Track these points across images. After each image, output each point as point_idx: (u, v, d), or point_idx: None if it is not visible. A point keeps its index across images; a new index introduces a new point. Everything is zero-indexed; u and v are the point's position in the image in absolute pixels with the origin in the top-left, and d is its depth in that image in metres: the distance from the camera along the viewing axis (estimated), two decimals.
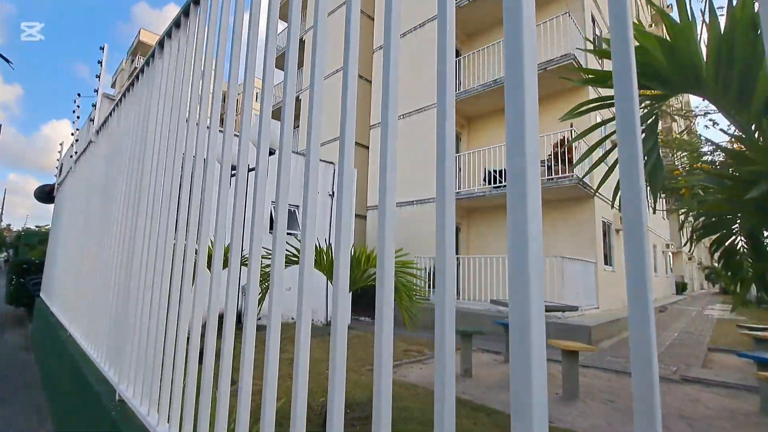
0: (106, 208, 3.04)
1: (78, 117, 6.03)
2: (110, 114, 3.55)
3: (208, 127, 1.56)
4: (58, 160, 8.26)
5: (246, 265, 1.10)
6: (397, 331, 7.38)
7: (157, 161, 2.05)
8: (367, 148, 13.34)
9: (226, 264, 1.20)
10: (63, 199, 6.41)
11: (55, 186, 7.78)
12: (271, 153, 3.21)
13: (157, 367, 1.62)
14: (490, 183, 10.05)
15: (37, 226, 23.61)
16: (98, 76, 4.81)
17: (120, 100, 3.27)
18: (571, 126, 9.09)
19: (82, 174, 4.69)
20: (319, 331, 8.83)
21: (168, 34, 2.12)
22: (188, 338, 1.45)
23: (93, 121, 4.86)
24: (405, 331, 4.24)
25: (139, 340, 1.88)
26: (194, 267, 1.45)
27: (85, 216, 3.97)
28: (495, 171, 9.91)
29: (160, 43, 2.25)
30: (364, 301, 8.18)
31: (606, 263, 10.62)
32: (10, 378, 4.93)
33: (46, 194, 9.44)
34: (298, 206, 9.05)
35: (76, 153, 5.43)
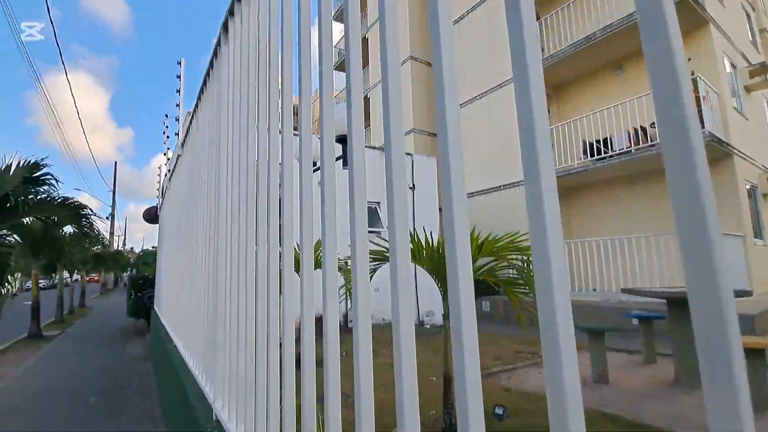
0: (191, 217, 2.97)
1: (168, 137, 6.13)
2: (191, 120, 3.41)
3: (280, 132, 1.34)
4: (158, 182, 8.73)
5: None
6: (508, 330, 6.54)
7: (232, 161, 1.81)
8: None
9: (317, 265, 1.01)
10: (163, 217, 6.77)
11: (158, 207, 8.32)
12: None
13: (250, 385, 1.39)
14: (590, 156, 8.72)
15: (153, 247, 26.93)
16: (178, 91, 4.73)
17: (197, 102, 3.07)
18: (693, 74, 7.46)
19: (174, 190, 4.78)
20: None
21: (231, 11, 1.87)
22: (281, 352, 1.19)
23: (178, 135, 4.78)
24: (515, 330, 3.53)
25: (230, 355, 1.67)
26: (279, 273, 1.28)
27: (177, 229, 4.06)
28: (597, 141, 8.56)
29: (224, 25, 1.99)
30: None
31: (756, 236, 8.61)
32: (129, 387, 5.19)
33: (152, 216, 10.28)
34: (378, 203, 8.71)
35: (168, 171, 5.57)
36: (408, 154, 9.20)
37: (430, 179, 9.53)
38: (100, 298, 22.20)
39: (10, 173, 5.01)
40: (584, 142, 8.97)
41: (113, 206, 25.22)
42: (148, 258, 23.68)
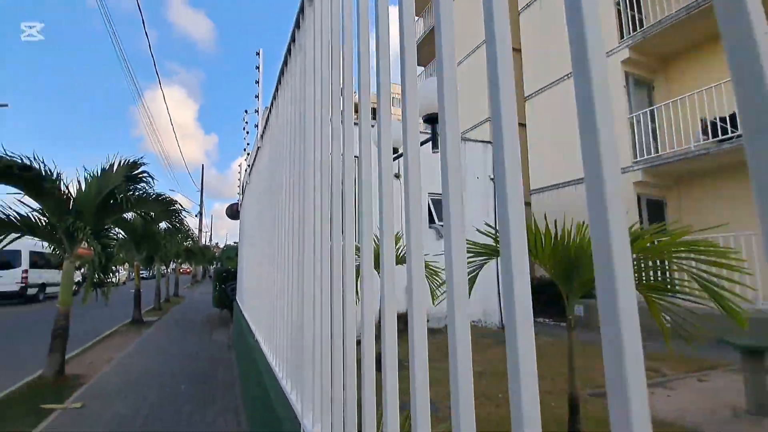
0: (272, 209, 2.87)
1: (247, 132, 6.15)
2: (270, 110, 3.26)
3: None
4: (239, 180, 9.00)
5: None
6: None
7: (320, 148, 1.60)
8: (522, 125, 11.66)
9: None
10: (243, 212, 6.95)
11: (239, 203, 8.62)
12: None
13: (350, 406, 1.18)
14: (712, 136, 7.34)
15: (235, 242, 29.12)
16: (257, 82, 4.62)
17: (276, 87, 2.88)
18: None
19: (254, 184, 4.79)
20: (495, 337, 7.74)
21: None
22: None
23: (257, 126, 4.67)
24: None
25: (322, 365, 1.44)
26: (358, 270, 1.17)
27: (257, 222, 4.01)
28: (722, 119, 7.16)
29: (301, 9, 1.82)
30: (542, 297, 6.74)
31: None
32: (215, 376, 5.33)
33: (234, 212, 10.78)
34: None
35: (248, 167, 5.59)
36: (489, 142, 8.54)
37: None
38: (190, 288, 24.43)
39: (114, 172, 5.39)
40: (703, 121, 7.58)
41: (201, 205, 27.65)
42: (231, 252, 25.48)
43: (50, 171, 5.06)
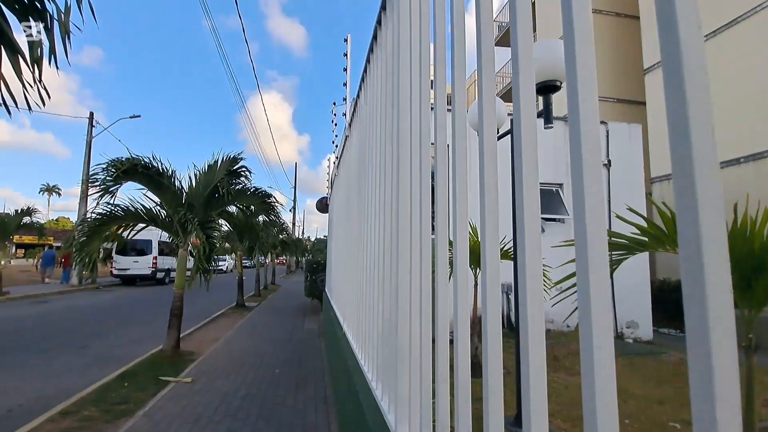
0: (361, 200, 2.74)
1: (335, 124, 6.16)
2: (359, 94, 3.11)
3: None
4: (328, 173, 9.21)
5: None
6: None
7: (418, 129, 1.39)
8: (641, 103, 10.11)
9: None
10: (332, 205, 7.06)
11: (328, 196, 8.84)
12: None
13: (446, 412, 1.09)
14: None
15: (324, 236, 30.84)
16: (345, 70, 4.52)
17: (366, 67, 2.70)
18: None
19: (342, 175, 4.76)
20: (650, 354, 6.68)
21: None
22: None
23: (345, 115, 4.60)
24: None
25: (421, 371, 1.25)
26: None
27: (346, 214, 3.95)
28: None
29: None
30: (668, 306, 5.67)
31: None
32: (306, 362, 5.48)
33: (323, 205, 11.16)
34: (560, 185, 7.38)
35: (337, 159, 5.59)
36: (602, 122, 7.52)
37: (632, 153, 7.56)
38: (285, 278, 26.45)
39: (217, 168, 5.82)
40: None
41: (294, 200, 29.73)
42: (321, 245, 26.90)
43: (167, 169, 5.66)
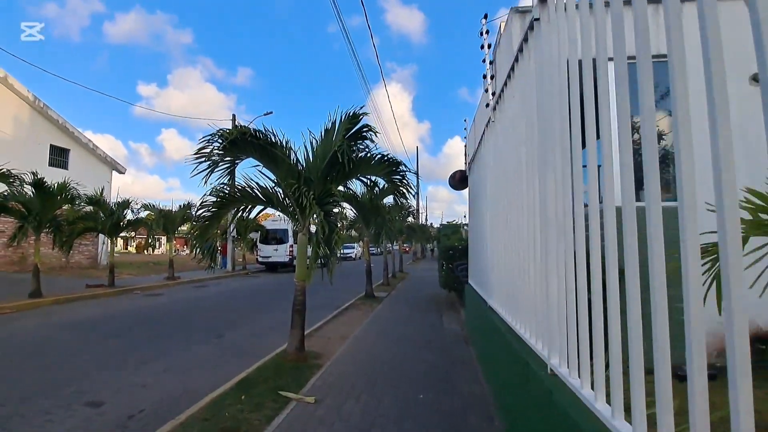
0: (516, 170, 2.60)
1: (490, 78, 4.37)
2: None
3: None
4: (465, 146, 7.51)
5: None
6: None
7: None
8: None
9: None
10: (475, 179, 5.39)
11: (467, 165, 7.15)
12: None
13: (597, 343, 1.36)
14: None
15: (450, 221, 29.23)
16: (483, 46, 2.71)
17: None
18: None
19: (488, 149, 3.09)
20: None
21: None
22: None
23: (487, 91, 2.74)
24: None
25: (567, 314, 1.64)
26: None
27: (499, 188, 3.29)
28: None
29: None
30: None
31: None
32: (458, 385, 3.97)
33: (457, 181, 9.47)
34: None
35: (490, 122, 3.92)
36: None
37: None
38: (412, 265, 25.70)
39: (335, 131, 4.65)
40: None
41: (417, 186, 28.77)
42: (448, 230, 25.25)
43: (280, 139, 4.73)
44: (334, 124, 4.80)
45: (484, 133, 4.71)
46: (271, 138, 4.67)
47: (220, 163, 4.64)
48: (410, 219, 16.54)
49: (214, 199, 4.86)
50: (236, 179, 5.02)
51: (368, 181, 5.57)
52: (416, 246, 32.35)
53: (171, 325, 7.16)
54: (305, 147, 5.01)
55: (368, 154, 4.90)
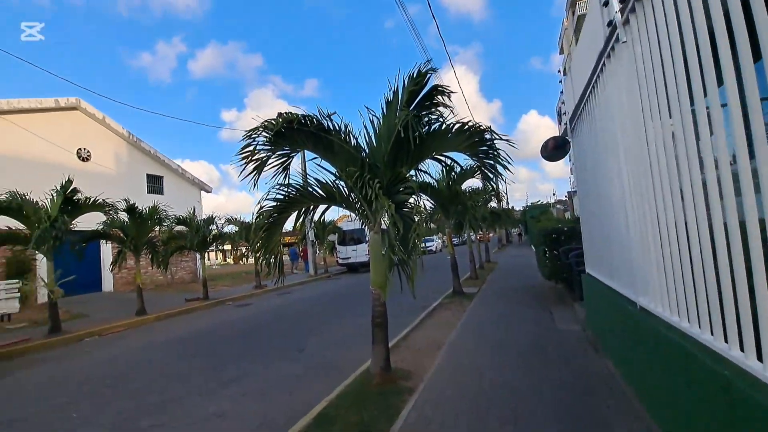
0: None
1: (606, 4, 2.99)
2: None
3: None
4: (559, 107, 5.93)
5: None
6: None
7: None
8: None
9: None
10: (585, 139, 4.08)
11: (565, 126, 5.78)
12: None
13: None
14: None
15: (536, 202, 26.57)
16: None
17: None
18: None
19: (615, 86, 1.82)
20: None
21: None
22: None
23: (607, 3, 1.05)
24: None
25: None
26: None
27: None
28: None
29: None
30: None
31: None
32: (597, 404, 2.74)
33: (550, 150, 8.00)
34: None
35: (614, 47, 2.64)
36: None
37: None
38: (498, 253, 23.81)
39: (399, 101, 3.74)
40: None
41: (496, 167, 26.49)
42: (535, 212, 22.94)
43: (336, 124, 3.95)
44: (396, 93, 3.89)
45: (600, 68, 3.43)
46: (325, 123, 3.91)
47: (270, 161, 4.02)
48: (492, 203, 14.99)
49: (273, 204, 4.26)
50: (292, 177, 4.38)
51: (446, 162, 4.55)
52: (500, 232, 30.15)
53: (254, 338, 6.91)
54: (365, 128, 4.18)
55: (443, 126, 3.90)
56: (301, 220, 4.53)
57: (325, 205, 4.49)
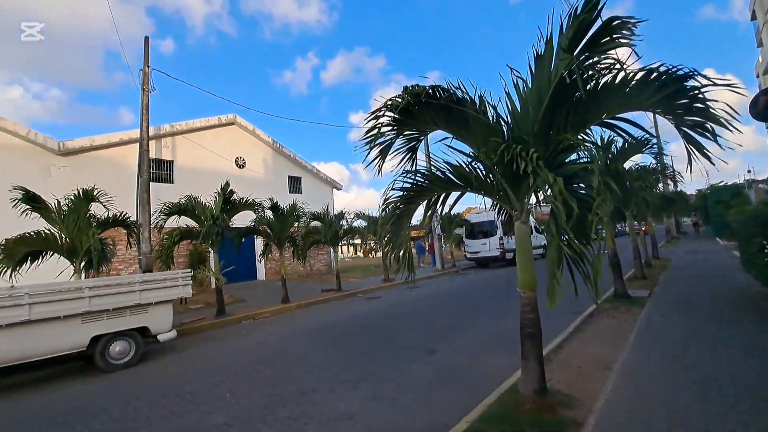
0: None
1: None
2: None
3: None
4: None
5: None
6: None
7: None
8: None
9: None
10: None
11: None
12: None
13: None
14: None
15: (717, 183, 21.01)
16: None
17: None
18: None
19: None
20: None
21: None
22: None
23: None
24: None
25: None
26: None
27: None
28: None
29: None
30: None
31: None
32: None
33: (761, 107, 5.89)
34: None
35: None
36: None
37: None
38: (666, 247, 19.50)
39: (553, 51, 2.89)
40: None
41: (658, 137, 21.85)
42: (721, 195, 18.21)
43: (470, 94, 3.28)
44: (549, 42, 3.02)
45: None
46: (456, 94, 3.28)
47: (396, 144, 3.58)
48: (660, 186, 12.13)
49: (399, 194, 3.82)
50: (419, 163, 3.87)
51: (619, 128, 3.43)
52: (668, 222, 24.84)
53: (384, 333, 6.72)
54: (507, 96, 3.41)
55: (616, 78, 2.86)
56: (431, 211, 4.00)
57: (459, 192, 3.85)
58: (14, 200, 6.88)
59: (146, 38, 10.08)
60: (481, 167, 3.59)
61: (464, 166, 3.63)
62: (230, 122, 17.16)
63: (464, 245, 19.04)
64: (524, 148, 2.86)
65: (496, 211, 4.58)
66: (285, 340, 6.94)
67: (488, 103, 3.37)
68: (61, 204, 7.13)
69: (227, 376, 5.07)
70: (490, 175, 3.58)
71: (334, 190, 21.59)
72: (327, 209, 13.07)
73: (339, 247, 14.09)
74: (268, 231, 10.92)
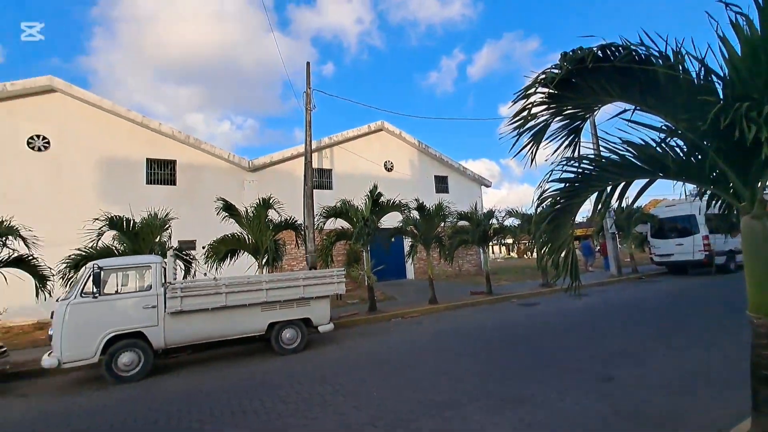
0: None
1: None
2: None
3: None
4: None
5: None
6: None
7: None
8: None
9: None
10: None
11: None
12: None
13: None
14: None
15: None
16: None
17: None
18: None
19: None
20: None
21: None
22: None
23: None
24: None
25: None
26: None
27: None
28: None
29: None
30: None
31: None
32: None
33: None
34: None
35: None
36: None
37: None
38: None
39: None
40: None
41: None
42: None
43: (659, 48, 2.43)
44: None
45: None
46: (638, 51, 2.48)
47: (552, 127, 2.94)
48: None
49: (559, 186, 3.15)
50: (583, 148, 3.12)
51: None
52: None
53: (542, 347, 5.88)
54: (721, 38, 2.41)
55: None
56: (600, 205, 3.18)
57: (645, 180, 2.94)
58: (217, 209, 8.65)
59: (307, 64, 11.43)
60: (681, 144, 2.65)
61: (654, 145, 2.74)
62: (378, 129, 18.21)
63: (649, 246, 15.66)
64: (754, 107, 1.94)
65: (702, 202, 3.39)
66: (433, 342, 6.78)
67: (689, 55, 2.44)
68: (249, 211, 8.62)
69: (375, 372, 5.17)
70: (696, 154, 2.61)
71: (482, 187, 20.75)
72: (475, 207, 12.53)
73: (489, 247, 13.32)
74: (415, 231, 11.04)
